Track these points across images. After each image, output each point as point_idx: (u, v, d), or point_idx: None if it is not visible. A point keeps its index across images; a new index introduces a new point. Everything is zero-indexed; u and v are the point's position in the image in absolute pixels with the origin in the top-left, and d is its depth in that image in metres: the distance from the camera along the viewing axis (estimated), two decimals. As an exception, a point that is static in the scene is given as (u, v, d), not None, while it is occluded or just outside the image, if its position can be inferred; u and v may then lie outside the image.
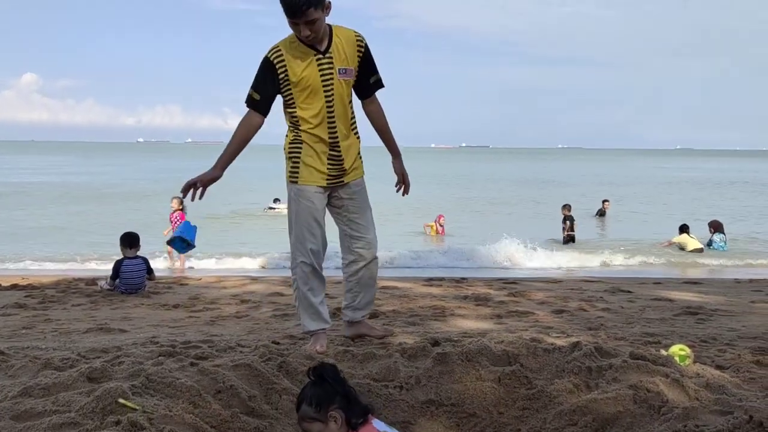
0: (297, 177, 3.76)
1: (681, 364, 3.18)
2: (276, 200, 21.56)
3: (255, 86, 3.65)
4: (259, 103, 3.65)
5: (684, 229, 14.03)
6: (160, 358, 3.31)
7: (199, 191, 3.59)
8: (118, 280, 7.35)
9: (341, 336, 4.55)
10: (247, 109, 3.68)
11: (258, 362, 3.17)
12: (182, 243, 2.69)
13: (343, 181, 3.83)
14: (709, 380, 2.97)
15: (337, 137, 3.73)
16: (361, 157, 3.97)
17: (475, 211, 22.03)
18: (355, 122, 3.89)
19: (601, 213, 20.83)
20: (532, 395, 3.09)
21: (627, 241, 15.62)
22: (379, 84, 3.84)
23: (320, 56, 3.61)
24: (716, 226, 14.30)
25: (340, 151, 3.75)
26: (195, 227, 2.92)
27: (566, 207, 15.34)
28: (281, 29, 3.63)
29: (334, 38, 3.65)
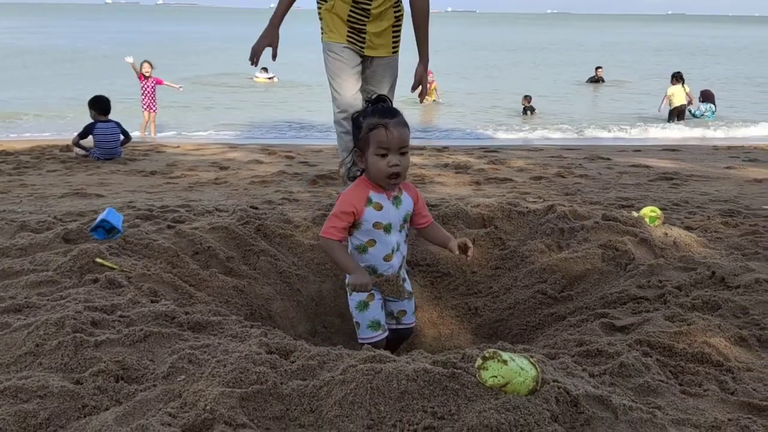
0: (324, 33, 3.76)
1: (651, 224, 3.25)
2: (263, 69, 20.66)
3: None
4: None
5: (678, 77, 13.38)
6: (136, 220, 3.30)
7: (259, 56, 3.70)
8: (93, 147, 7.23)
9: (319, 201, 4.58)
10: None
11: (236, 225, 3.18)
12: (105, 230, 2.59)
13: (363, 51, 3.76)
14: (676, 239, 3.05)
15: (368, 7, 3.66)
16: (394, 37, 3.86)
17: (463, 78, 21.57)
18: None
19: (594, 80, 20.44)
20: (504, 255, 3.17)
21: (614, 114, 15.53)
22: None
23: None
24: (707, 96, 14.13)
25: (366, 21, 3.68)
26: (121, 216, 2.79)
27: (526, 98, 14.67)
28: None
29: None
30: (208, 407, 1.52)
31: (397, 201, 2.33)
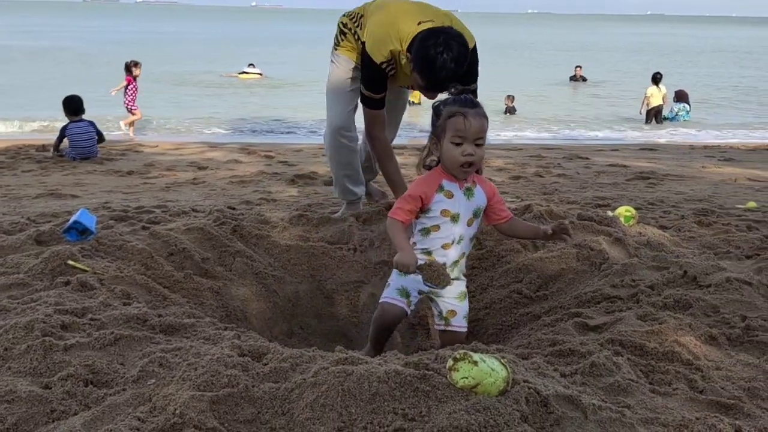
0: (339, 46, 3.60)
1: (626, 224, 3.29)
2: (250, 65, 20.42)
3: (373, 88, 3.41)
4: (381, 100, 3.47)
5: (656, 78, 13.43)
6: (110, 222, 3.27)
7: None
8: (68, 147, 7.15)
9: (297, 201, 4.57)
10: (374, 111, 3.45)
11: (211, 226, 3.16)
12: (78, 231, 2.57)
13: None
14: (650, 239, 3.08)
15: None
16: None
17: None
18: None
19: (575, 79, 20.68)
20: (481, 255, 3.18)
21: (593, 112, 15.66)
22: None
23: None
24: (681, 96, 14.28)
25: None
26: (94, 217, 2.79)
27: (509, 98, 14.59)
28: None
29: None
30: (177, 411, 1.51)
31: (469, 193, 2.32)
